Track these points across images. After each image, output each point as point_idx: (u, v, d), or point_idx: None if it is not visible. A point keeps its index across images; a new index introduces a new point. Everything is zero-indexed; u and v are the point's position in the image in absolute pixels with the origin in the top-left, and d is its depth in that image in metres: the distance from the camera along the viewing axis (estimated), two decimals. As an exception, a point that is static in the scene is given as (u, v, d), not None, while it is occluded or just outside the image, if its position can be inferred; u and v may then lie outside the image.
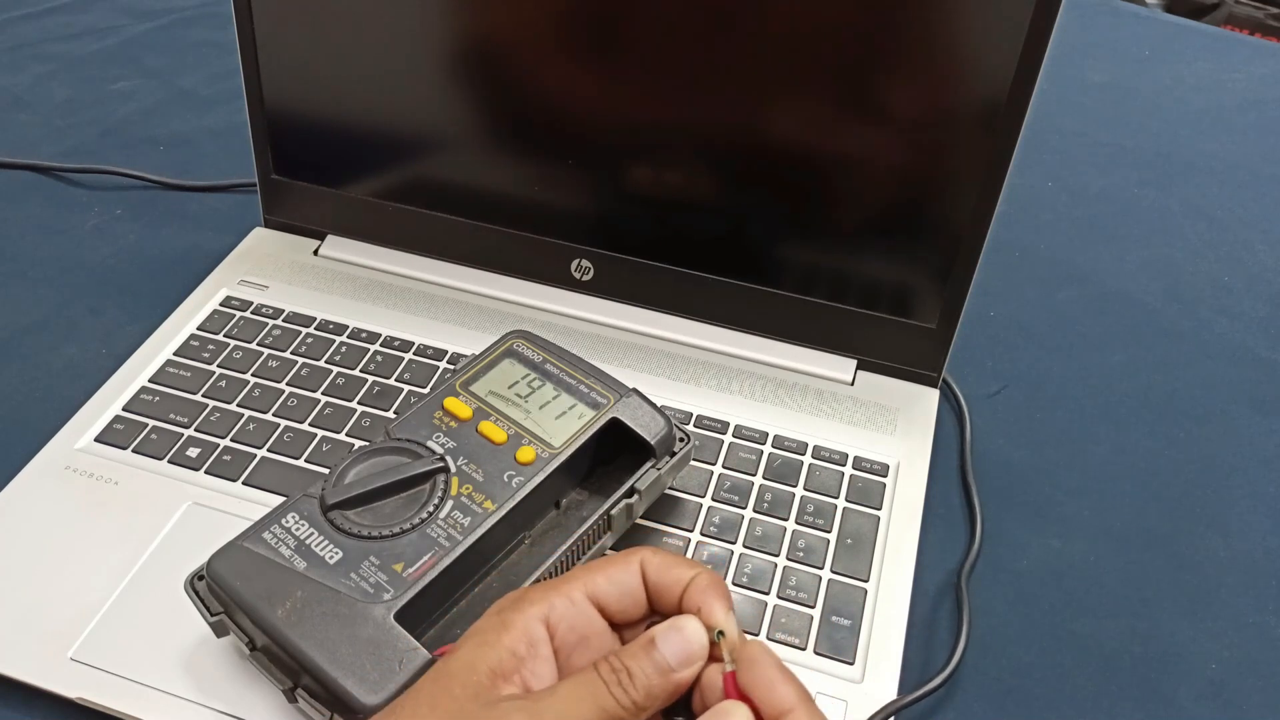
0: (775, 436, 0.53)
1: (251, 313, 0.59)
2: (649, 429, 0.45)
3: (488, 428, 0.45)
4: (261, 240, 0.64)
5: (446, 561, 0.40)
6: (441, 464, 0.43)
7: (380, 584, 0.39)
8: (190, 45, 0.89)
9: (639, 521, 0.48)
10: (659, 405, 0.47)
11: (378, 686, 0.36)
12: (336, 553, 0.40)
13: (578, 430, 0.45)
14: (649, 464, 0.45)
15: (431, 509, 0.42)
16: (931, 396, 0.56)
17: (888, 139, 0.50)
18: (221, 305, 0.59)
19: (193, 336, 0.57)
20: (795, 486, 0.51)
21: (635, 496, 0.45)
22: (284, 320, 0.59)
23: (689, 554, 0.48)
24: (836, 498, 0.50)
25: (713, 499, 0.50)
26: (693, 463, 0.51)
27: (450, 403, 0.46)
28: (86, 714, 0.42)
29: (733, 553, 0.48)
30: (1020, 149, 0.48)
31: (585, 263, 0.59)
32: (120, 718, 0.41)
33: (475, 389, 0.47)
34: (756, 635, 0.45)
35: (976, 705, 0.45)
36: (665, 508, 0.49)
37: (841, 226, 0.53)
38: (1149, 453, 0.57)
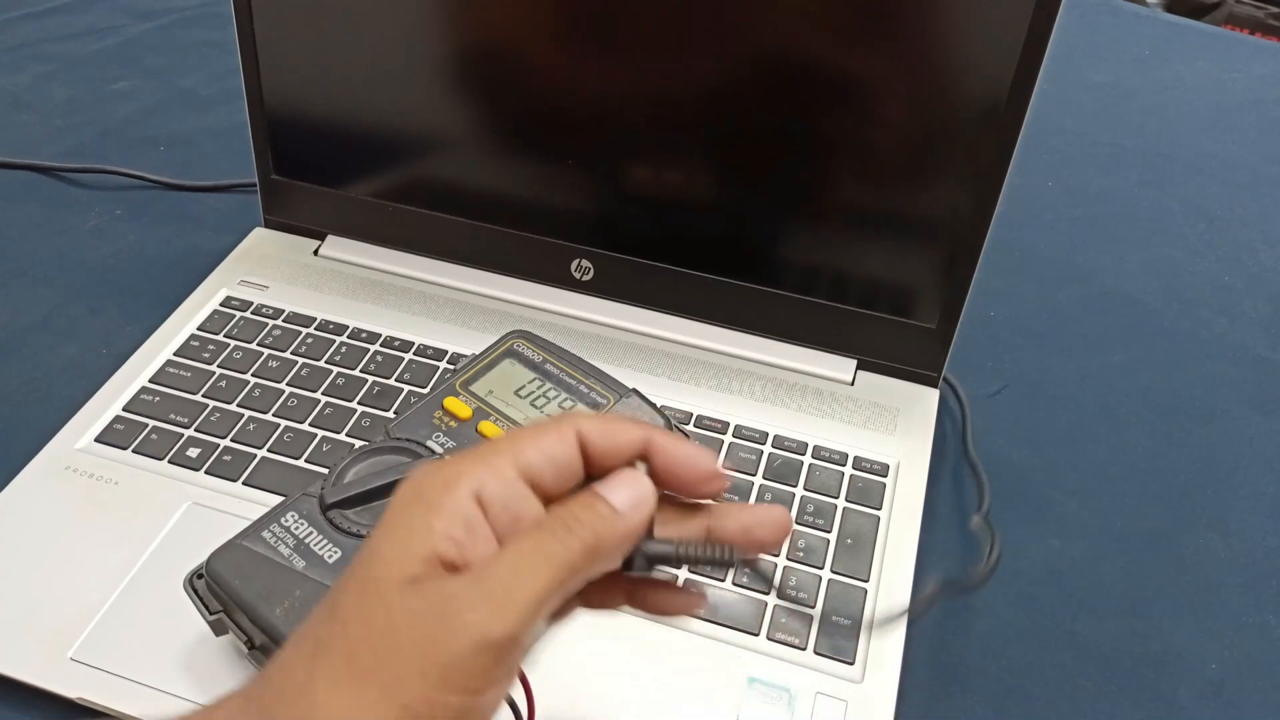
0: (775, 436, 0.53)
1: (251, 313, 0.59)
2: (649, 429, 0.45)
3: (488, 428, 0.45)
4: (261, 240, 0.64)
5: (446, 561, 0.40)
6: (441, 464, 0.43)
7: (380, 584, 0.39)
8: (190, 45, 0.89)
9: (639, 521, 0.48)
10: (659, 405, 0.47)
11: (377, 686, 0.36)
12: (335, 552, 0.40)
13: (577, 430, 0.45)
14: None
15: (431, 509, 0.42)
16: (931, 396, 0.56)
17: (887, 138, 0.50)
18: (221, 305, 0.59)
19: (193, 337, 0.57)
20: (795, 486, 0.51)
21: (635, 496, 0.45)
22: (284, 320, 0.59)
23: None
24: (836, 498, 0.50)
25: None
26: (693, 463, 0.51)
27: (450, 402, 0.46)
28: (87, 714, 0.42)
29: (732, 553, 0.48)
30: (1020, 149, 0.48)
31: (585, 263, 0.59)
32: (120, 718, 0.41)
33: (475, 389, 0.47)
34: (756, 635, 0.45)
35: (976, 705, 0.45)
36: (665, 508, 0.49)
37: (841, 226, 0.53)
38: (1149, 453, 0.57)
